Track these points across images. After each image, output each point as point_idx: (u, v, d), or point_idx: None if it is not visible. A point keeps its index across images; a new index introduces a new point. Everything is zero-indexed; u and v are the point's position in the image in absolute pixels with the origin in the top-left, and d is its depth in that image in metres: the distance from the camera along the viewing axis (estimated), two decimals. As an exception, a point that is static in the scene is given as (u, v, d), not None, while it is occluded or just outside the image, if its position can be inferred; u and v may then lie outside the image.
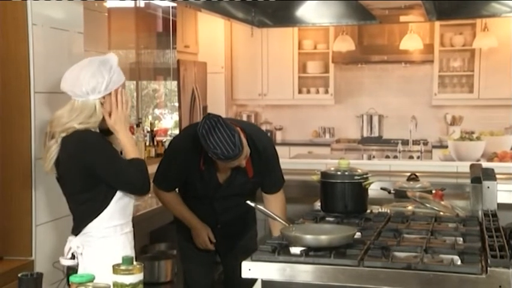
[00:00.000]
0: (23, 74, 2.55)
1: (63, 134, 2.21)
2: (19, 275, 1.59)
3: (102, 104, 2.25)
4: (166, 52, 6.06)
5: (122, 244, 2.27)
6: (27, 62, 2.55)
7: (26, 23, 2.53)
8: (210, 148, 2.50)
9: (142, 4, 5.96)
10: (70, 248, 2.23)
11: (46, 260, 2.58)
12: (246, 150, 2.60)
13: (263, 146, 2.83)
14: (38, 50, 2.58)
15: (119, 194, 2.24)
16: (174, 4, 5.56)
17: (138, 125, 4.91)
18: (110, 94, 2.25)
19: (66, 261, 2.25)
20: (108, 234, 2.23)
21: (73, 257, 2.23)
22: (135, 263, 1.64)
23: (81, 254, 2.21)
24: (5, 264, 2.50)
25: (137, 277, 1.62)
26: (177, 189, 2.94)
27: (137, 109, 5.89)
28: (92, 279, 1.59)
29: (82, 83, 2.21)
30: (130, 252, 2.27)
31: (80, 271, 2.18)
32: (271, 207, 2.78)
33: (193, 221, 2.89)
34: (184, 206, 2.90)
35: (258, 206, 2.59)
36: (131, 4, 5.74)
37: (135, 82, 5.97)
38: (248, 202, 2.57)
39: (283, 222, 2.40)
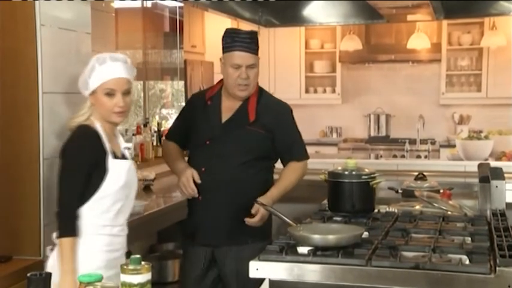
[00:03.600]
0: (31, 74, 2.56)
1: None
2: (28, 274, 1.59)
3: (90, 101, 2.30)
4: (173, 52, 6.06)
5: (92, 244, 2.22)
6: (35, 63, 2.56)
7: (34, 24, 2.54)
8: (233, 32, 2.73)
9: (149, 4, 5.97)
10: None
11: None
12: (256, 75, 2.80)
13: (277, 102, 2.94)
14: (46, 51, 2.59)
15: (101, 193, 2.22)
16: (181, 4, 5.56)
17: (145, 125, 4.93)
18: (94, 94, 2.28)
19: (49, 252, 2.32)
20: (83, 230, 2.22)
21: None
22: (143, 262, 1.64)
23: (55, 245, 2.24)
24: (14, 264, 2.51)
25: (145, 277, 1.63)
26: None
27: (144, 109, 5.90)
28: (100, 278, 1.59)
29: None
30: (99, 256, 2.22)
31: (48, 264, 2.24)
32: (282, 173, 2.83)
33: (180, 164, 2.82)
34: (180, 155, 2.89)
35: (267, 207, 2.60)
36: (138, 4, 5.76)
37: (142, 82, 5.98)
38: (257, 201, 2.59)
39: (292, 223, 2.39)
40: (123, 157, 2.34)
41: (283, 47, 7.09)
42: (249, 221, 2.66)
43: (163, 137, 3.05)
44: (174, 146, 2.92)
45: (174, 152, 2.91)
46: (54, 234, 2.23)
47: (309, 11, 3.96)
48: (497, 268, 1.85)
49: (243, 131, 2.75)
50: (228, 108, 2.80)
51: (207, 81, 6.34)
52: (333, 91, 7.23)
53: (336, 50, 7.09)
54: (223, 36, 2.77)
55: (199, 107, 2.83)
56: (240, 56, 2.72)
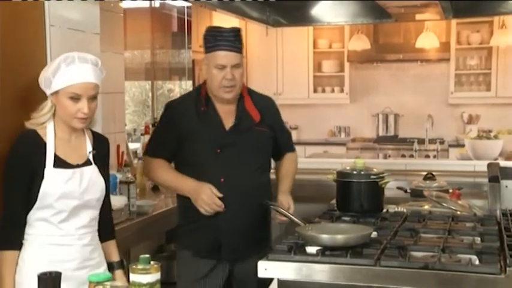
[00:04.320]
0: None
1: None
2: (38, 274, 1.60)
3: (52, 102, 2.08)
4: (182, 52, 6.08)
5: (35, 254, 2.04)
6: (44, 63, 2.57)
7: (44, 24, 2.55)
8: (215, 33, 2.53)
9: (157, 4, 5.99)
10: None
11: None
12: (242, 75, 2.58)
13: (266, 97, 2.81)
14: (55, 51, 2.60)
15: (39, 203, 2.04)
16: (189, 4, 5.57)
17: (153, 125, 4.94)
18: (56, 95, 2.06)
19: None
20: (27, 239, 2.07)
21: None
22: (152, 262, 1.65)
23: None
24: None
25: (154, 276, 1.63)
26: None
27: (152, 109, 5.92)
28: (109, 278, 1.60)
29: (40, 75, 2.12)
30: (44, 267, 1.85)
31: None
32: (284, 166, 2.75)
33: (188, 181, 2.53)
34: (176, 171, 2.61)
35: (274, 206, 2.59)
36: (146, 4, 5.77)
37: (150, 82, 6.01)
38: (267, 202, 2.57)
39: (300, 223, 2.39)
40: (86, 163, 2.13)
41: (291, 46, 7.09)
42: (281, 219, 2.57)
43: (144, 155, 2.67)
44: (164, 162, 2.62)
45: (169, 169, 2.63)
46: None
47: (317, 11, 3.94)
48: (507, 268, 1.84)
49: (252, 133, 2.61)
50: (225, 112, 2.60)
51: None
52: (341, 91, 7.22)
53: (344, 49, 7.08)
54: (204, 35, 2.58)
55: (192, 115, 2.58)
56: (224, 56, 2.51)
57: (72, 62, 2.04)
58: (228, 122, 2.60)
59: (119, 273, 2.22)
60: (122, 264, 2.27)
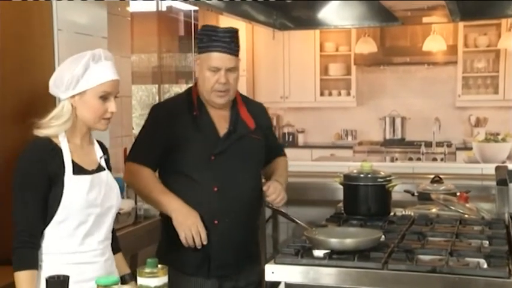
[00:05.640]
0: (48, 78, 2.58)
1: None
2: (46, 277, 1.60)
3: (72, 105, 1.93)
4: (188, 56, 6.09)
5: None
6: (52, 67, 2.59)
7: (52, 29, 2.57)
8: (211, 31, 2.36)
9: (164, 8, 6.01)
10: None
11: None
12: (237, 79, 2.41)
13: (257, 103, 2.66)
14: (63, 55, 2.62)
15: (60, 216, 1.88)
16: (196, 8, 5.59)
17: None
18: (82, 95, 1.92)
19: None
20: (45, 259, 1.89)
21: None
22: (159, 265, 1.65)
23: None
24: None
25: (162, 280, 1.63)
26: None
27: (160, 112, 5.92)
28: (117, 282, 1.60)
29: (53, 77, 1.96)
30: None
31: None
32: (275, 165, 2.59)
33: (177, 201, 2.31)
34: (162, 184, 2.36)
35: (279, 209, 2.58)
36: (153, 8, 5.79)
37: (157, 86, 6.02)
38: (268, 205, 2.54)
39: (306, 226, 2.38)
40: (99, 169, 2.01)
41: (298, 50, 7.09)
42: (273, 199, 2.42)
43: (128, 161, 2.41)
44: (150, 172, 2.38)
45: (156, 181, 2.38)
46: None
47: (324, 14, 3.95)
48: (515, 272, 1.83)
49: (246, 141, 2.45)
50: (218, 118, 2.44)
51: (222, 84, 6.35)
52: (348, 94, 7.21)
53: (351, 52, 7.07)
54: (198, 34, 2.41)
55: (183, 119, 2.40)
56: (219, 58, 2.34)
57: (100, 59, 1.93)
58: (222, 128, 2.42)
59: (132, 284, 2.03)
60: (134, 275, 2.20)
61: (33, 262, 1.84)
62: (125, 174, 2.42)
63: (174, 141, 2.36)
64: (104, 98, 1.94)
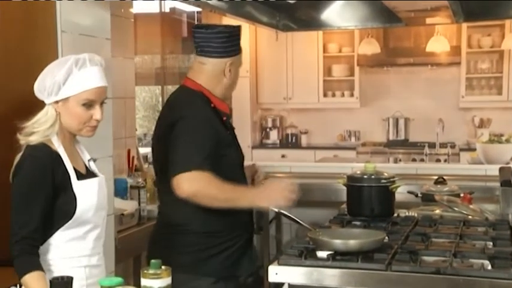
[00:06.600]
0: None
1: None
2: (50, 278, 1.61)
3: (55, 110, 1.88)
4: (191, 57, 6.09)
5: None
6: (56, 68, 2.59)
7: (55, 30, 2.57)
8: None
9: (167, 10, 6.02)
10: None
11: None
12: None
13: None
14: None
15: (74, 222, 1.88)
16: (199, 9, 5.59)
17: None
18: (65, 102, 1.87)
19: None
20: (55, 264, 1.88)
21: None
22: (163, 267, 1.65)
23: None
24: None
25: (165, 281, 1.63)
26: None
27: (163, 114, 5.93)
28: (121, 283, 1.60)
29: (37, 81, 1.91)
30: None
31: None
32: None
33: (246, 189, 2.33)
34: (227, 183, 2.19)
35: (283, 211, 2.58)
36: (157, 10, 5.80)
37: (160, 87, 6.03)
38: (272, 208, 2.54)
39: (309, 228, 2.38)
40: (88, 171, 1.99)
41: (301, 51, 7.09)
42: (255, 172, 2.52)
43: (188, 171, 2.14)
44: (215, 177, 2.18)
45: (223, 182, 2.18)
46: None
47: (327, 15, 3.94)
48: (519, 273, 1.83)
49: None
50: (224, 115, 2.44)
51: (225, 85, 6.35)
52: (351, 95, 7.21)
53: (354, 53, 7.07)
54: (228, 36, 2.38)
55: (219, 124, 2.34)
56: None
57: (84, 65, 1.87)
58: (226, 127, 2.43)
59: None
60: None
61: (37, 265, 1.80)
62: (186, 184, 2.14)
63: (219, 146, 2.28)
64: (88, 105, 1.89)
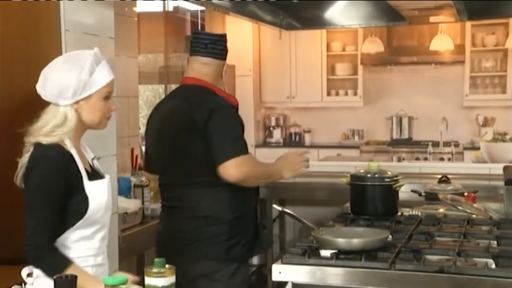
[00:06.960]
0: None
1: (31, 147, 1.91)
2: (54, 277, 1.61)
3: (76, 110, 1.91)
4: (195, 56, 6.08)
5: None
6: (60, 67, 2.59)
7: (59, 29, 2.58)
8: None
9: (171, 8, 6.02)
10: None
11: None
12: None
13: None
14: (70, 55, 2.62)
15: (85, 222, 1.90)
16: (203, 8, 5.59)
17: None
18: (87, 99, 1.91)
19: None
20: None
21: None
22: (167, 265, 1.65)
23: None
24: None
25: (169, 280, 1.63)
26: None
27: (166, 112, 5.92)
28: (124, 281, 1.60)
29: (51, 84, 1.91)
30: None
31: None
32: None
33: (273, 162, 2.57)
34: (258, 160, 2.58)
35: (285, 210, 2.59)
36: (160, 9, 5.81)
37: (163, 86, 6.03)
38: (275, 206, 2.58)
39: (313, 226, 2.39)
40: (93, 170, 2.01)
41: (305, 49, 7.09)
42: None
43: (241, 154, 2.39)
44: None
45: (258, 160, 2.59)
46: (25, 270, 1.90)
47: (330, 14, 3.94)
48: (524, 272, 1.83)
49: None
50: None
51: (228, 84, 6.36)
52: (355, 94, 7.20)
53: (358, 52, 7.06)
54: (226, 42, 2.59)
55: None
56: None
57: (99, 61, 1.93)
58: None
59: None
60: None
61: (66, 258, 1.85)
62: (234, 169, 2.35)
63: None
64: (107, 98, 1.95)
